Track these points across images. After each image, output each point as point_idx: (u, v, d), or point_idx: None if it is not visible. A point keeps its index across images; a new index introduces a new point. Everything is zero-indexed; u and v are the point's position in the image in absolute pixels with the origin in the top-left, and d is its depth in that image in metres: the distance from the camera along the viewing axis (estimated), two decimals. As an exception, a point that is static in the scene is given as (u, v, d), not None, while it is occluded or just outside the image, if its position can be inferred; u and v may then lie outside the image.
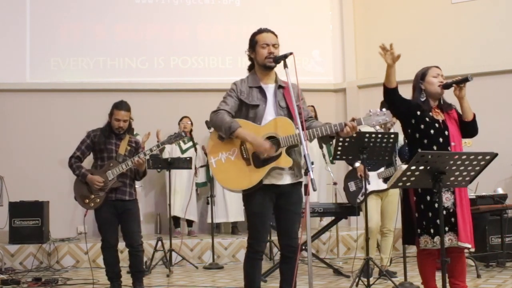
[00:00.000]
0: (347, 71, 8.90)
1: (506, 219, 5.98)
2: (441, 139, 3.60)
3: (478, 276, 5.29)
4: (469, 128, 3.73)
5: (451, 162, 2.95)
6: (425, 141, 3.62)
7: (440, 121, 3.66)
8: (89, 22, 8.44)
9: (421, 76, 3.73)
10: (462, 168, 3.00)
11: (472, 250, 3.69)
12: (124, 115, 4.84)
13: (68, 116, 8.12)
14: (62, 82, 8.27)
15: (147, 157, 4.85)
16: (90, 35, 8.43)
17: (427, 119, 3.63)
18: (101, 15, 8.47)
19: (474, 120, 3.71)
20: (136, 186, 5.12)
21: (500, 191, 6.40)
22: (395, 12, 8.62)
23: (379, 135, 4.75)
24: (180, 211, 7.46)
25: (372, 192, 5.35)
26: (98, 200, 4.74)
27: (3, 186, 6.89)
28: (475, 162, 2.98)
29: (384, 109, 3.43)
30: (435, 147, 3.58)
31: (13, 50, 8.24)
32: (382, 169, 5.38)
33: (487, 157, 2.98)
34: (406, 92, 3.75)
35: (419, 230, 3.56)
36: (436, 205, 3.48)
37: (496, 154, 2.99)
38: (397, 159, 5.31)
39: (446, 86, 3.68)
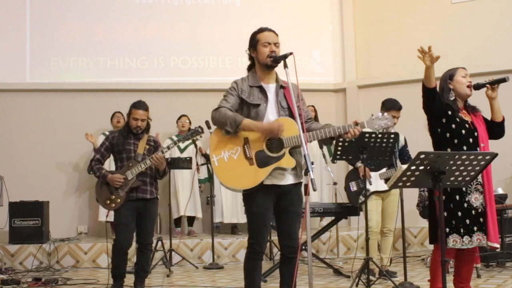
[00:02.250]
0: (347, 71, 8.89)
1: (506, 219, 5.98)
2: (471, 140, 3.62)
3: (478, 276, 5.29)
4: (497, 129, 3.76)
5: (451, 162, 2.95)
6: (456, 141, 3.63)
7: (469, 122, 3.68)
8: (89, 22, 8.44)
9: (449, 76, 3.75)
10: (462, 168, 3.00)
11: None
12: (142, 114, 4.89)
13: (68, 116, 8.13)
14: (62, 82, 8.27)
15: (165, 154, 4.85)
16: (90, 35, 8.43)
17: (457, 119, 3.65)
18: (101, 15, 8.47)
19: (503, 121, 3.74)
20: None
21: (500, 191, 6.41)
22: (395, 12, 8.63)
23: (379, 135, 4.74)
24: (186, 210, 7.48)
25: (374, 192, 5.34)
26: (119, 200, 4.75)
27: (3, 186, 6.89)
28: (475, 162, 2.98)
29: (386, 114, 3.44)
30: (465, 147, 3.60)
31: (13, 50, 8.24)
32: (384, 169, 5.36)
33: (487, 157, 2.98)
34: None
35: (447, 229, 3.55)
36: (466, 204, 3.55)
37: (496, 154, 2.99)
38: (398, 161, 5.27)
39: (478, 87, 3.70)
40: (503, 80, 3.62)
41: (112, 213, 4.92)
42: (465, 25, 8.11)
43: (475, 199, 3.57)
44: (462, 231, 3.54)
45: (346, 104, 8.79)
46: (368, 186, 5.15)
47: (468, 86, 3.70)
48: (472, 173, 3.06)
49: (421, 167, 2.94)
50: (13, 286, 5.48)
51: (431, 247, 3.83)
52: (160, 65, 8.55)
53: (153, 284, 5.47)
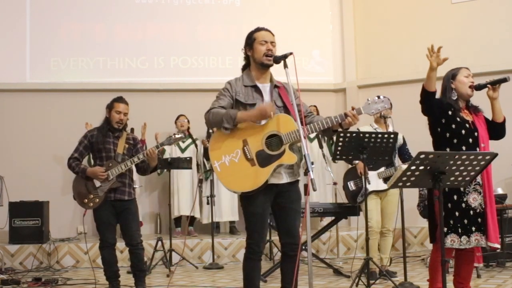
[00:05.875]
0: (347, 71, 8.90)
1: (506, 219, 5.98)
2: (470, 140, 3.62)
3: (478, 276, 5.29)
4: (498, 130, 3.77)
5: (451, 162, 2.94)
6: (455, 140, 3.63)
7: (470, 122, 3.68)
8: (89, 22, 8.45)
9: (452, 76, 3.76)
10: (462, 168, 2.99)
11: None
12: (124, 108, 4.88)
13: (68, 116, 8.12)
14: (62, 82, 8.28)
15: (160, 149, 4.83)
16: (90, 35, 8.44)
17: (458, 119, 3.65)
18: (101, 15, 8.48)
19: (504, 122, 3.75)
20: (135, 186, 5.11)
21: (500, 191, 6.41)
22: (395, 12, 8.62)
23: (379, 135, 4.74)
24: (186, 210, 7.46)
25: (372, 192, 5.34)
26: (97, 200, 4.73)
27: (3, 186, 6.90)
28: (475, 162, 2.98)
29: (382, 96, 3.42)
30: (464, 148, 3.60)
31: (13, 50, 8.25)
32: (383, 169, 5.36)
33: (487, 157, 2.98)
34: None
35: (445, 229, 3.56)
36: (463, 204, 3.55)
37: (496, 154, 2.99)
38: (397, 159, 5.30)
39: (479, 88, 3.71)
40: (504, 80, 3.64)
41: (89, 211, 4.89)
42: (465, 25, 8.10)
43: (473, 199, 3.58)
44: (460, 231, 3.55)
45: (346, 104, 8.79)
46: (366, 185, 5.15)
47: (470, 87, 3.70)
48: (472, 173, 3.06)
49: (421, 167, 2.94)
50: (13, 286, 5.48)
51: (431, 247, 3.83)
52: (160, 65, 8.55)
53: (153, 284, 5.47)
